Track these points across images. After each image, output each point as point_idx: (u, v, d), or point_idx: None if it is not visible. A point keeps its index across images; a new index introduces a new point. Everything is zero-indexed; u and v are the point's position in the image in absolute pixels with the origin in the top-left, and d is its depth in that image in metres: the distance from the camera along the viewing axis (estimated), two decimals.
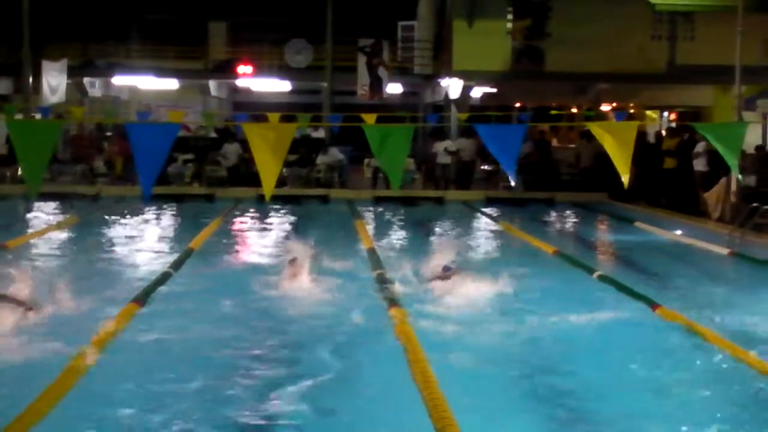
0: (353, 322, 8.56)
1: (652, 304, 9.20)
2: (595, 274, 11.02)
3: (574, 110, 30.72)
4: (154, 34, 31.93)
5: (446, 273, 10.26)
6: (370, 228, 16.10)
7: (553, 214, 19.95)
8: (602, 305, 9.49)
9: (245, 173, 21.91)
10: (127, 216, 17.74)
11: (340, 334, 8.11)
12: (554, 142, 26.78)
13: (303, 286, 10.09)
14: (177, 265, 11.37)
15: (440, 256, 11.02)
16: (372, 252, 12.44)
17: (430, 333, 7.93)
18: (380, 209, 19.87)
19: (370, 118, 17.53)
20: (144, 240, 14.80)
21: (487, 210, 19.58)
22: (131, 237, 15.11)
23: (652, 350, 7.81)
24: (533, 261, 12.48)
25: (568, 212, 20.23)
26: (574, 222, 19.16)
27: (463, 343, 7.81)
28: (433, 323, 8.40)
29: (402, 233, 14.40)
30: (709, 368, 7.28)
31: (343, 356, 7.39)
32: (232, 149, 22.52)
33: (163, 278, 10.36)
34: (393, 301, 9.06)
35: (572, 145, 26.51)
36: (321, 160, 23.03)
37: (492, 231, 16.72)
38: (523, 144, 22.83)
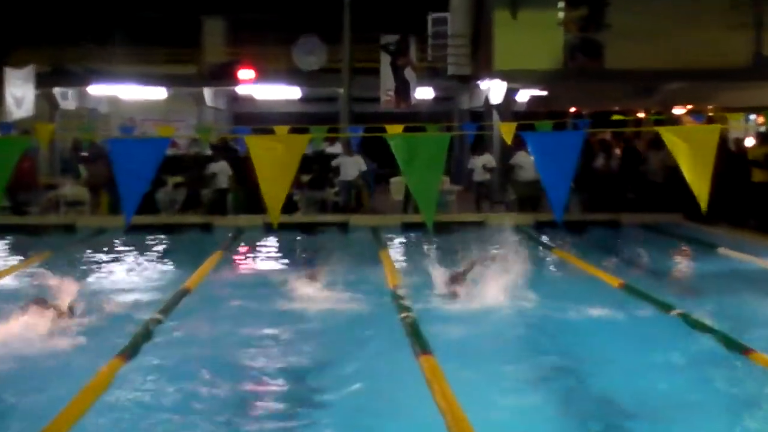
0: (377, 374, 8.61)
1: (743, 348, 9.08)
2: (674, 312, 10.90)
3: (641, 115, 30.63)
4: (139, 35, 32.14)
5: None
6: (397, 261, 16.07)
7: (618, 239, 19.83)
8: (684, 349, 9.45)
9: (243, 199, 21.91)
10: (109, 251, 17.78)
11: (362, 391, 8.16)
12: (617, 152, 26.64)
13: (317, 332, 10.14)
14: (168, 309, 11.38)
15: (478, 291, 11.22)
16: (397, 291, 12.44)
17: (469, 388, 7.87)
18: (410, 237, 19.82)
19: (395, 129, 17.61)
20: (129, 280, 14.81)
21: (538, 235, 19.47)
22: (114, 276, 15.15)
23: (744, 402, 7.70)
24: (595, 296, 12.37)
25: (635, 236, 20.08)
26: (644, 248, 19.01)
27: (514, 404, 7.79)
28: (473, 375, 8.35)
29: (433, 266, 14.33)
30: None
31: (368, 413, 7.46)
32: (218, 168, 22.38)
33: (153, 326, 10.36)
34: (424, 350, 9.02)
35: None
36: (337, 162, 22.87)
37: (544, 260, 16.61)
38: (594, 158, 22.94)
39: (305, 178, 22.90)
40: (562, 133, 16.66)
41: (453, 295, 11.90)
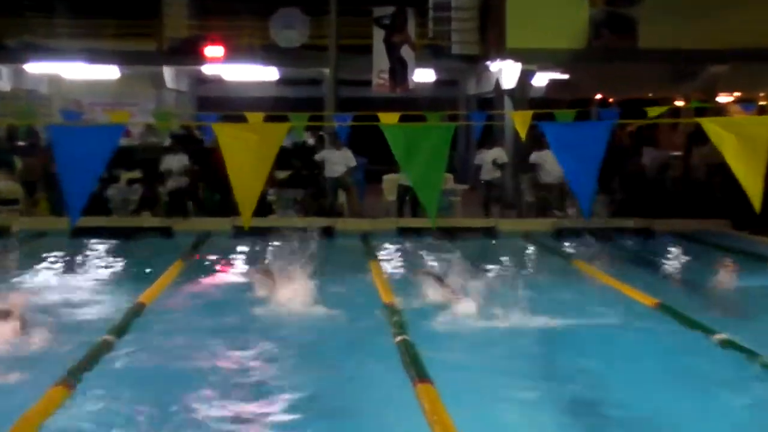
0: (366, 404, 8.69)
1: None
2: (716, 337, 10.92)
3: (679, 103, 30.65)
4: (87, 4, 31.98)
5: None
6: (389, 272, 16.11)
7: (653, 249, 19.86)
8: (727, 380, 9.46)
9: (210, 200, 21.95)
10: (51, 259, 17.77)
11: (347, 423, 8.24)
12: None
13: (294, 355, 10.26)
14: (120, 329, 11.37)
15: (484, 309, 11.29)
16: (392, 307, 12.48)
17: (473, 421, 7.96)
18: (405, 245, 19.83)
19: (390, 118, 17.61)
20: (74, 294, 14.78)
21: (558, 245, 19.50)
22: (56, 290, 15.11)
23: None
24: (627, 317, 12.41)
25: (672, 248, 20.13)
26: (682, 261, 19.05)
27: None
28: (477, 405, 8.45)
29: (433, 279, 14.44)
30: None
31: None
32: (176, 162, 22.39)
33: (101, 349, 10.36)
34: (421, 376, 9.05)
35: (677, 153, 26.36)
36: (321, 156, 22.84)
37: (565, 275, 16.64)
38: (638, 157, 22.86)
39: (282, 174, 22.90)
40: (585, 124, 16.67)
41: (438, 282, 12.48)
